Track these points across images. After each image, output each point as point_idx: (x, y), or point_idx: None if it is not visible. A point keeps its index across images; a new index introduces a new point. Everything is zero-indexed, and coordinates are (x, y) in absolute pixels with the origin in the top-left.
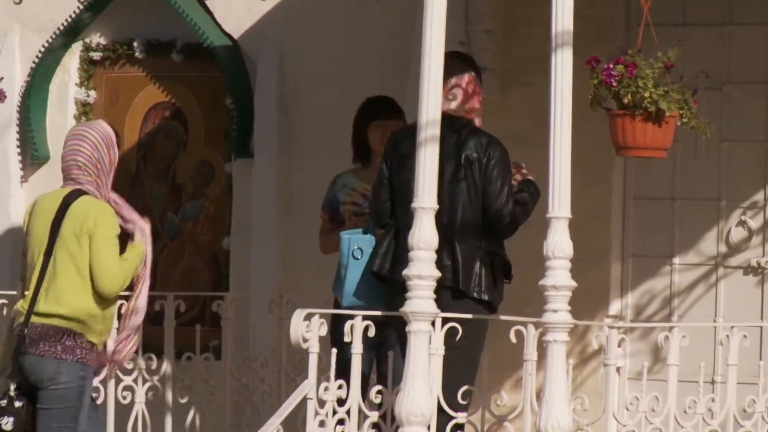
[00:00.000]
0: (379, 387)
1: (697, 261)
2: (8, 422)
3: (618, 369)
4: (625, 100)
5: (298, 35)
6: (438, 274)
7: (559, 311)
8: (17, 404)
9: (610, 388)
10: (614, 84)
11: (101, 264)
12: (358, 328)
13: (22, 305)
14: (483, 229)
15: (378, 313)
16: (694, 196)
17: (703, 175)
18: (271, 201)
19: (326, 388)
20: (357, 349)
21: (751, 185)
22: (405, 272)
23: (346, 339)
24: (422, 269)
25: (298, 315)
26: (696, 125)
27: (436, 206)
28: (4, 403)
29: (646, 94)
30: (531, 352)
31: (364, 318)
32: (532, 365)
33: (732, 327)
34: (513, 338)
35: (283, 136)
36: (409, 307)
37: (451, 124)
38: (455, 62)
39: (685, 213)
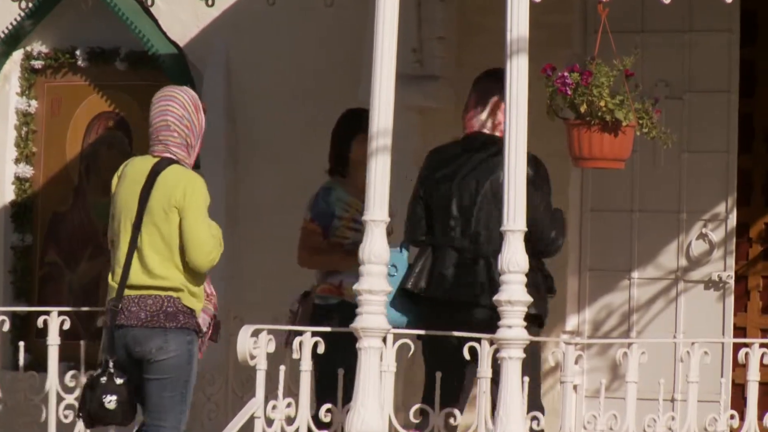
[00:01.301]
0: (328, 405)
1: (656, 275)
2: (111, 401)
3: (575, 386)
4: (581, 109)
5: (246, 42)
6: (528, 298)
7: (513, 327)
8: (118, 381)
9: (566, 406)
10: (569, 92)
11: (194, 239)
12: (307, 345)
13: (112, 279)
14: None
15: (327, 329)
16: (654, 209)
17: (663, 187)
18: (218, 212)
19: (274, 407)
20: (306, 366)
21: (711, 197)
22: (355, 287)
23: (294, 356)
24: (373, 284)
25: (246, 331)
26: (657, 136)
27: (388, 219)
28: (104, 380)
29: (602, 103)
30: (485, 370)
31: (314, 334)
32: (486, 383)
33: (693, 343)
34: (467, 355)
35: (230, 146)
36: (359, 323)
37: (485, 143)
38: (492, 83)
39: (644, 226)
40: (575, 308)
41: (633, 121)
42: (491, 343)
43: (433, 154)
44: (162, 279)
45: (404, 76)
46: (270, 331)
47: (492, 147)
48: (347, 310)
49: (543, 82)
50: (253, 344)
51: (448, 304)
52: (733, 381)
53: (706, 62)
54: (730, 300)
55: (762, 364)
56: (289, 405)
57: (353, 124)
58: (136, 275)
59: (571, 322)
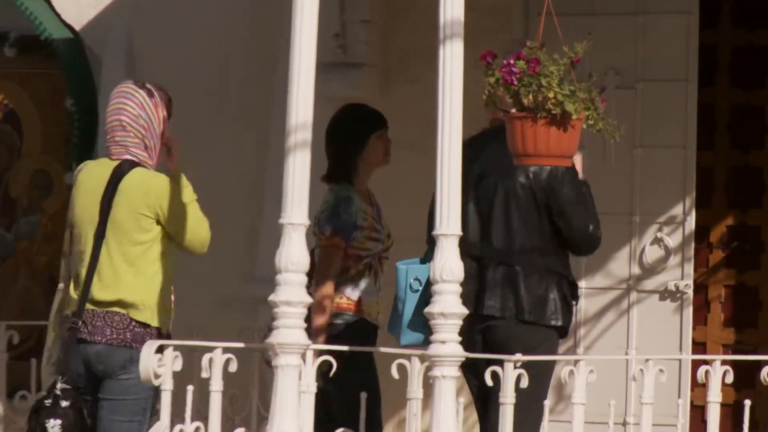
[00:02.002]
0: (242, 429)
1: (606, 284)
2: (55, 425)
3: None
4: (526, 101)
5: (150, 27)
6: (463, 310)
7: (448, 342)
8: (63, 404)
9: (506, 429)
10: (515, 83)
11: (194, 237)
12: (217, 363)
13: (74, 291)
14: (549, 248)
15: (240, 344)
16: (603, 210)
17: (614, 186)
18: None
19: (181, 431)
20: (216, 387)
21: (667, 197)
22: (271, 298)
23: (204, 375)
24: (291, 295)
25: (149, 347)
26: (603, 128)
27: (307, 222)
28: (49, 402)
29: (550, 95)
30: (416, 390)
31: (225, 351)
32: (417, 404)
33: (647, 360)
34: (395, 374)
35: None
36: (276, 338)
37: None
38: None
39: None
40: None
41: (582, 114)
42: (422, 359)
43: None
44: (127, 293)
45: (325, 63)
46: (176, 348)
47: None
48: (366, 329)
49: (480, 70)
50: (158, 362)
51: (470, 319)
52: (691, 402)
53: (661, 48)
54: (689, 312)
55: (724, 384)
56: (197, 429)
57: (372, 120)
58: (101, 289)
59: None
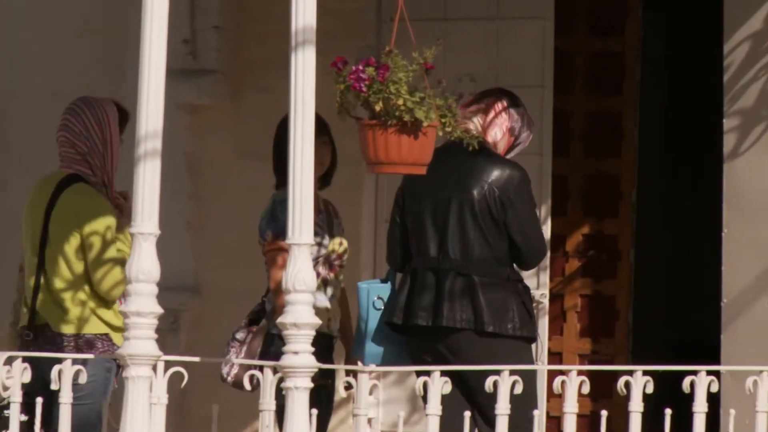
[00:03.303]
0: None
1: None
2: None
3: (369, 420)
4: (377, 108)
5: None
6: (315, 320)
7: (300, 353)
8: (5, 413)
9: None
10: (364, 89)
11: (96, 272)
12: (67, 375)
13: (24, 305)
14: (505, 258)
15: (91, 355)
16: None
17: None
18: None
19: None
20: (65, 399)
21: None
22: (122, 308)
23: (53, 386)
24: (142, 305)
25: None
26: (461, 135)
27: (158, 231)
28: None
29: (400, 102)
30: (268, 401)
31: (74, 362)
32: (270, 416)
33: (501, 371)
34: (247, 385)
35: None
36: (126, 349)
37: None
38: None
39: None
40: None
41: (435, 121)
42: (275, 371)
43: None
44: (69, 307)
45: (175, 70)
46: (25, 359)
47: (468, 149)
48: (324, 342)
49: (333, 78)
50: (7, 373)
51: (431, 332)
52: (547, 413)
53: (516, 54)
54: (544, 321)
55: (580, 394)
56: None
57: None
58: (43, 305)
59: None
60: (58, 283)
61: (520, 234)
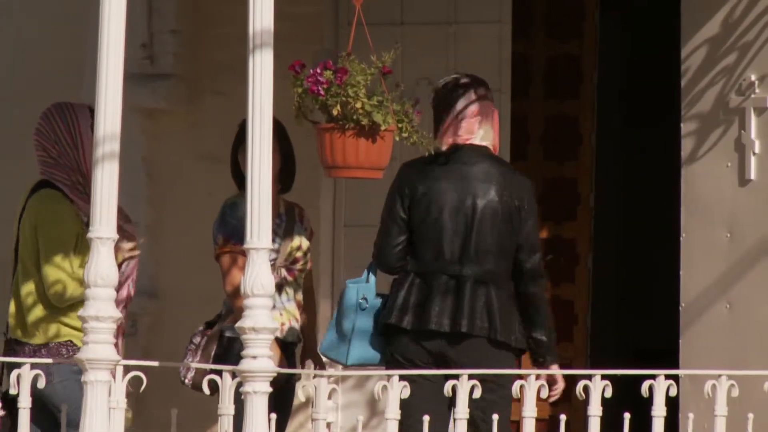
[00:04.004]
0: None
1: None
2: None
3: (328, 424)
4: (334, 112)
5: None
6: (274, 325)
7: (259, 357)
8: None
9: None
10: (322, 93)
11: (45, 277)
12: (26, 379)
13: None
14: (510, 273)
15: (48, 361)
16: None
17: None
18: None
19: None
20: (25, 404)
21: None
22: (81, 313)
23: (12, 391)
24: (100, 310)
25: None
26: (417, 141)
27: (116, 236)
28: None
29: (358, 105)
30: (227, 406)
31: (33, 367)
32: (229, 420)
33: (460, 376)
34: (206, 389)
35: None
36: (85, 354)
37: (473, 153)
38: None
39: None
40: None
41: (392, 125)
42: (234, 375)
43: (411, 166)
44: (32, 317)
45: (133, 74)
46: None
47: (476, 157)
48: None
49: (290, 81)
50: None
51: (444, 337)
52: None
53: (473, 58)
54: None
55: (539, 399)
56: None
57: (240, 136)
58: (13, 315)
59: None
60: (23, 291)
61: (525, 252)
